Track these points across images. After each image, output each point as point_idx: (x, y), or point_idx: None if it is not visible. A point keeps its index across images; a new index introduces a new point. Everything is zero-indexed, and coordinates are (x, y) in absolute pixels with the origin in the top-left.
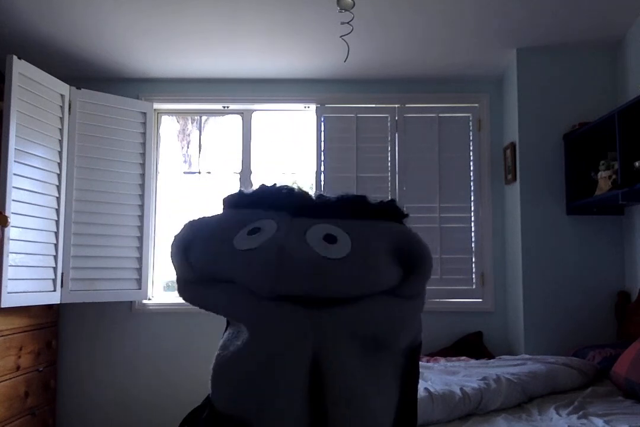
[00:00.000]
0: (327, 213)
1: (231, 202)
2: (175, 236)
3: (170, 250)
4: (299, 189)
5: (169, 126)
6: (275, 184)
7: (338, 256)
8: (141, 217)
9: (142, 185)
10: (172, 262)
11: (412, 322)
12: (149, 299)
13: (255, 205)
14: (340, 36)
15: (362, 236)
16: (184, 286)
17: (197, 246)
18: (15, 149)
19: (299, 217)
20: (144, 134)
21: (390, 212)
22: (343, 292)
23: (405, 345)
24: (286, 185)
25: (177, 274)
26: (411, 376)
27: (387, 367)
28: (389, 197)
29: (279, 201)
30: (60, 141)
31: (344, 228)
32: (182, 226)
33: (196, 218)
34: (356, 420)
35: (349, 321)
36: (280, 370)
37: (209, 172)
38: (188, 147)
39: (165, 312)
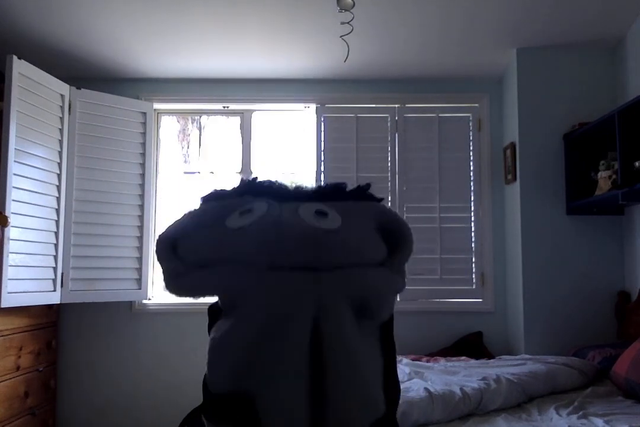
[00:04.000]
0: (309, 198)
1: (212, 197)
2: (159, 236)
3: (156, 249)
4: (278, 181)
5: (169, 126)
6: (255, 177)
7: (332, 227)
8: (141, 217)
9: (142, 186)
10: (159, 260)
11: (393, 295)
12: (149, 299)
13: (241, 195)
14: (340, 36)
15: (348, 212)
16: (175, 277)
17: (186, 239)
18: (15, 149)
19: (285, 202)
20: (144, 134)
21: (367, 193)
22: (338, 262)
23: (384, 319)
24: (268, 179)
25: (164, 269)
26: (390, 348)
27: (370, 337)
28: (366, 185)
29: (263, 189)
30: (60, 141)
31: (330, 207)
32: (165, 227)
33: (177, 218)
34: (353, 382)
35: (346, 282)
36: (285, 332)
37: (210, 172)
38: (188, 147)
39: (165, 312)
